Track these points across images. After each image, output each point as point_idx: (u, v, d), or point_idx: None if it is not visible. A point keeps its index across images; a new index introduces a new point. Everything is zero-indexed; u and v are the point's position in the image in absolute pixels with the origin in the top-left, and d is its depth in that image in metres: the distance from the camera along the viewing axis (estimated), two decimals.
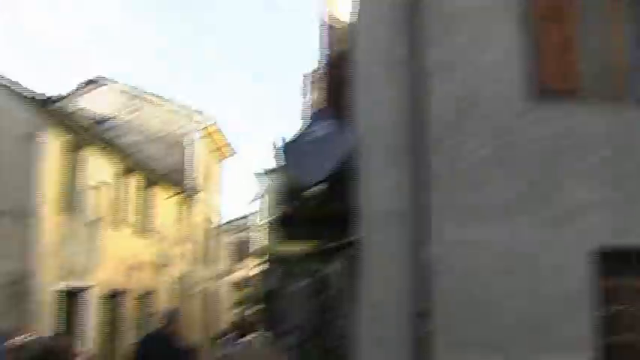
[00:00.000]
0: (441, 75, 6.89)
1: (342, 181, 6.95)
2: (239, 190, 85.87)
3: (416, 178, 6.59)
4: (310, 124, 7.52)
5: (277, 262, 40.34)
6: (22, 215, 13.42)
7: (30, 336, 6.24)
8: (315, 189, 6.89)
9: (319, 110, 10.24)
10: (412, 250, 6.47)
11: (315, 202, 6.84)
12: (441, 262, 6.46)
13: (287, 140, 7.26)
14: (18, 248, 13.43)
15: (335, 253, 7.91)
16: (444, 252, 6.50)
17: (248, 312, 45.98)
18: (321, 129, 7.20)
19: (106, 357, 17.50)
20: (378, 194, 6.56)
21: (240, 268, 42.13)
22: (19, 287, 13.25)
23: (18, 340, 6.03)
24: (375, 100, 6.89)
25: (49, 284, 14.13)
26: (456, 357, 6.32)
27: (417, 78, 6.81)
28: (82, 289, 15.93)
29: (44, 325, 13.80)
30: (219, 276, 31.09)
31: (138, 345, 7.34)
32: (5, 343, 6.06)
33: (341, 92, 8.60)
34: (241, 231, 49.14)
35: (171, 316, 7.48)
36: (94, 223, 16.56)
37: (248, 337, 7.34)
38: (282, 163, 7.29)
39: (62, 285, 14.73)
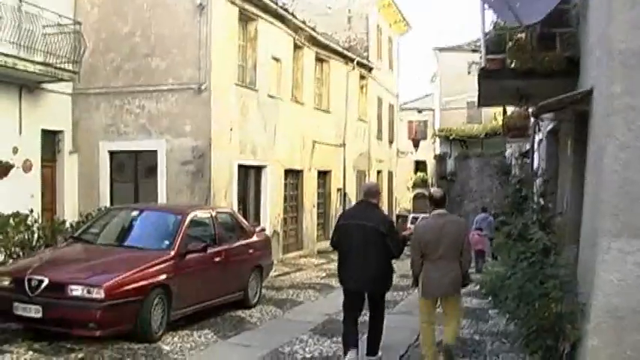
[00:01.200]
0: None
1: (563, 22, 5.38)
2: (415, 69, 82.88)
3: None
4: None
5: (459, 142, 38.94)
6: (199, 90, 13.25)
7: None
8: (529, 33, 5.41)
9: None
10: None
11: (529, 50, 5.40)
12: None
13: None
14: (198, 123, 13.39)
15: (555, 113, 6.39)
16: None
17: (427, 192, 45.63)
18: None
19: (286, 232, 17.65)
20: (619, 30, 4.89)
21: (418, 149, 41.22)
22: (203, 162, 13.32)
23: None
24: None
25: (229, 160, 14.10)
26: None
27: None
28: (261, 166, 15.87)
29: (225, 199, 13.90)
30: (397, 156, 30.28)
31: (339, 220, 7.08)
32: None
33: None
34: (420, 111, 47.92)
35: (373, 189, 7.15)
36: (271, 99, 16.19)
37: (434, 212, 6.65)
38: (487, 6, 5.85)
39: (241, 161, 14.67)
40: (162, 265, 7.68)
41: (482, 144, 37.91)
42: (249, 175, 15.62)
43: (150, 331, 7.38)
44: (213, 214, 9.32)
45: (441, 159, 40.13)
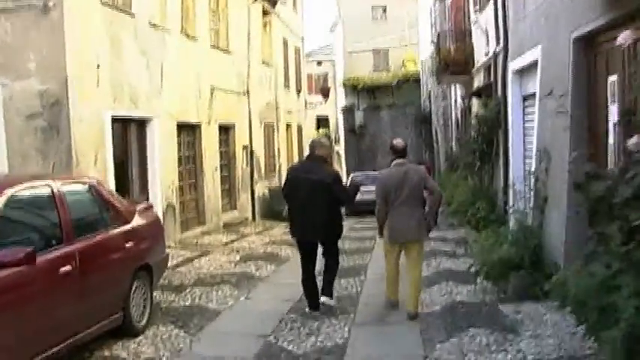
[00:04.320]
0: None
1: None
2: (312, 18, 78.29)
3: None
4: None
5: (366, 92, 36.06)
6: (46, 9, 9.10)
7: None
8: None
9: None
10: None
11: None
12: None
13: None
14: (47, 58, 9.27)
15: None
16: None
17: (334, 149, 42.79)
18: None
19: (183, 201, 13.85)
20: None
21: (320, 103, 38.02)
22: (59, 114, 9.27)
23: None
24: None
25: (97, 110, 10.08)
26: None
27: None
28: (146, 119, 11.91)
29: (96, 165, 9.93)
30: (306, 108, 26.77)
31: (288, 173, 7.48)
32: None
33: None
34: (319, 63, 44.57)
35: (317, 143, 7.35)
36: (154, 30, 12.15)
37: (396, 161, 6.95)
38: None
39: (116, 112, 10.66)
40: None
41: (393, 93, 35.18)
42: (130, 132, 11.61)
43: None
44: (57, 188, 5.27)
45: (348, 111, 37.08)
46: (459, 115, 20.17)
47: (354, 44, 36.66)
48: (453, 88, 22.65)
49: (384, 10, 38.53)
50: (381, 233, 7.04)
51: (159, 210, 12.16)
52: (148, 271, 6.54)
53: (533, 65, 9.11)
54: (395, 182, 6.70)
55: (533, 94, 9.65)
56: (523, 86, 10.27)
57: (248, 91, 17.73)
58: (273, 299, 8.06)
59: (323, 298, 7.06)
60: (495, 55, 11.89)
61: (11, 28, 9.30)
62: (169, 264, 9.42)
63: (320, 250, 7.22)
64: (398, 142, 7.08)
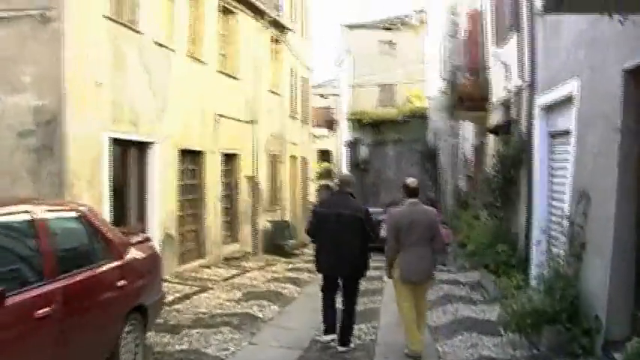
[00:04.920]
0: None
1: None
2: (319, 52, 77.57)
3: None
4: None
5: (371, 127, 35.48)
6: (45, 19, 8.46)
7: None
8: None
9: None
10: None
11: None
12: None
13: None
14: (44, 71, 8.61)
15: None
16: None
17: (332, 183, 42.13)
18: None
19: (183, 232, 13.08)
20: None
21: (326, 135, 37.39)
22: (53, 132, 8.58)
23: None
24: None
25: (95, 130, 9.39)
26: None
27: None
28: (147, 143, 11.22)
29: (91, 190, 9.20)
30: (311, 140, 26.13)
31: (317, 208, 7.49)
32: None
33: None
34: (323, 97, 44.11)
35: (348, 179, 7.66)
36: (160, 49, 11.55)
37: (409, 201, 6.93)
38: None
39: (115, 134, 9.97)
40: None
41: (399, 129, 34.59)
42: (129, 156, 10.90)
43: None
44: (39, 216, 4.51)
45: (353, 145, 36.46)
46: (470, 153, 19.51)
47: (361, 78, 36.23)
48: (463, 125, 22.07)
49: (392, 46, 38.22)
50: (389, 273, 6.97)
51: (156, 240, 11.39)
52: (142, 312, 5.75)
53: (567, 100, 8.45)
54: (407, 222, 6.72)
55: (563, 132, 8.99)
56: (551, 122, 9.61)
57: (254, 120, 17.08)
58: (279, 346, 7.27)
59: (341, 349, 6.93)
60: (519, 90, 11.26)
61: (7, 39, 8.65)
62: (167, 298, 8.69)
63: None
64: (412, 181, 7.07)
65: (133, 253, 5.78)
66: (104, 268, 5.19)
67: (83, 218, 5.30)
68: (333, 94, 44.66)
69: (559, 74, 8.71)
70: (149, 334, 6.61)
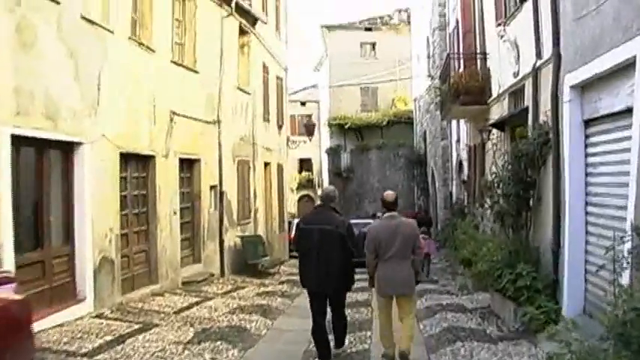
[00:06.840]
0: None
1: None
2: (296, 58, 75.00)
3: None
4: None
5: (353, 132, 33.34)
6: None
7: None
8: None
9: None
10: None
11: None
12: None
13: None
14: None
15: None
16: None
17: (313, 194, 39.83)
18: None
19: (127, 253, 10.73)
20: None
21: (304, 141, 35.10)
22: None
23: None
24: None
25: None
26: None
27: None
28: (72, 144, 8.88)
29: None
30: (288, 146, 23.83)
31: (300, 223, 7.33)
32: None
33: None
34: (303, 104, 41.90)
35: (331, 194, 7.41)
36: (89, 27, 9.24)
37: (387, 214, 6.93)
38: None
39: (21, 130, 7.59)
40: None
41: (383, 134, 32.48)
42: (45, 160, 8.50)
43: None
44: None
45: (334, 152, 34.27)
46: (466, 155, 17.39)
47: (341, 81, 34.13)
48: (455, 124, 19.99)
49: (373, 47, 36.24)
50: (371, 284, 7.01)
51: (88, 266, 9.06)
52: None
53: (617, 72, 6.31)
54: (386, 236, 6.71)
55: (607, 116, 6.84)
56: (586, 107, 7.45)
57: (219, 120, 14.78)
58: None
59: (336, 351, 7.24)
60: (536, 70, 9.11)
61: None
62: (85, 350, 6.43)
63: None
64: (388, 194, 7.06)
65: None
66: None
67: None
68: (314, 101, 42.58)
69: (603, 39, 6.56)
70: None
